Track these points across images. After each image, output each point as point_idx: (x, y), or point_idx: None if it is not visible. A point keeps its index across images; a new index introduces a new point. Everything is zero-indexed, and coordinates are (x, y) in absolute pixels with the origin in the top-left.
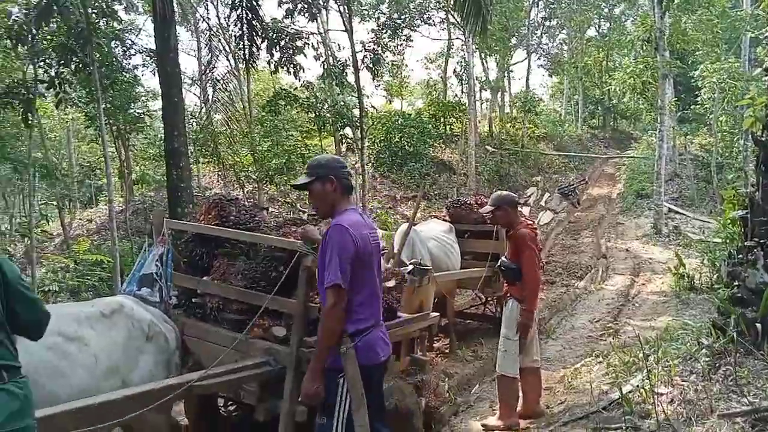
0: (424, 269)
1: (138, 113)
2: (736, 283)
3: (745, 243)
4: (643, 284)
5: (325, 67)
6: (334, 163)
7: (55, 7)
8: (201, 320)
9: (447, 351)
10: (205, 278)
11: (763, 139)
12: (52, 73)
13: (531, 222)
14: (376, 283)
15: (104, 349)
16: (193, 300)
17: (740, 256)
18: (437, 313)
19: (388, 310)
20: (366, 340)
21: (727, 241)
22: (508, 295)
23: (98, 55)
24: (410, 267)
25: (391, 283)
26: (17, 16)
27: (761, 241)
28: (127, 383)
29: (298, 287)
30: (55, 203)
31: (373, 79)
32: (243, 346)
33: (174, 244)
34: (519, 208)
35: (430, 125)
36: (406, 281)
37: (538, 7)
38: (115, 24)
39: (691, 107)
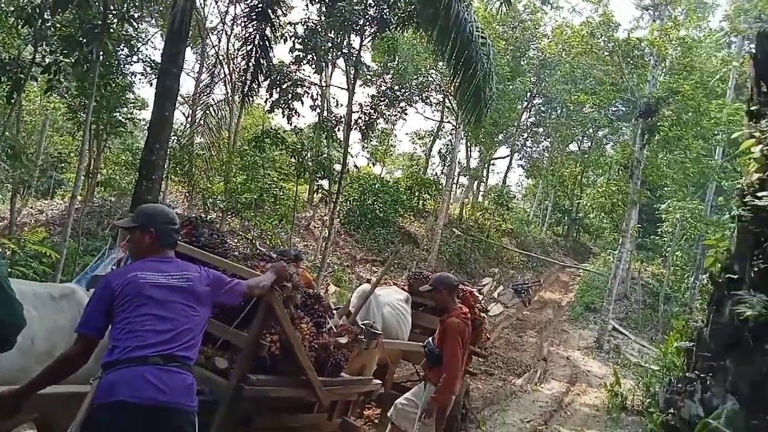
0: (374, 333)
1: (122, 118)
2: (671, 410)
3: (687, 374)
4: (578, 394)
5: (320, 118)
6: (159, 217)
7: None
8: None
9: (377, 421)
10: None
11: (720, 280)
12: (51, 60)
13: (467, 311)
14: (156, 317)
15: (44, 332)
16: None
17: (679, 385)
18: (380, 381)
19: (336, 366)
20: (116, 374)
21: (667, 369)
22: (427, 377)
23: (102, 54)
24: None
25: (343, 340)
26: None
27: (702, 375)
28: None
29: (254, 321)
30: (10, 186)
31: (362, 140)
32: None
33: None
34: (476, 294)
35: (404, 196)
36: (358, 341)
37: (529, 112)
38: (129, 28)
39: (651, 237)
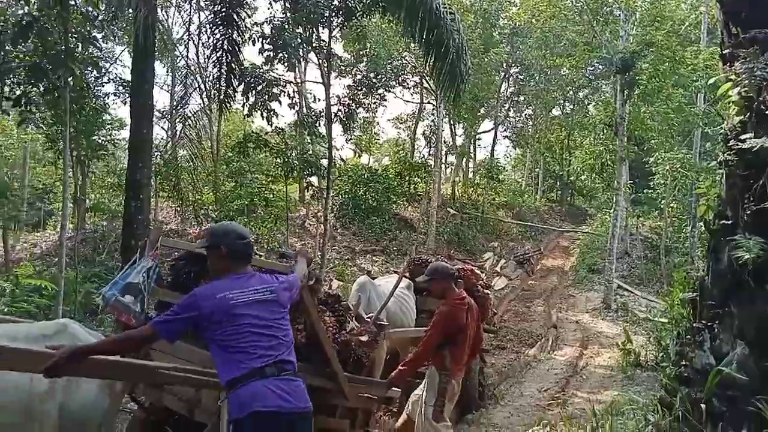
0: (379, 325)
1: (102, 141)
2: (683, 362)
3: (694, 324)
4: (591, 357)
5: (299, 115)
6: (231, 235)
7: (35, 28)
8: None
9: (395, 410)
10: None
11: (714, 227)
12: (19, 92)
13: (464, 296)
14: (256, 333)
15: None
16: None
17: (688, 336)
18: (399, 390)
19: (357, 362)
20: (242, 390)
21: (674, 321)
22: (430, 362)
23: (71, 79)
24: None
25: (364, 338)
26: None
27: (708, 323)
28: (65, 408)
29: None
30: (0, 223)
31: (345, 132)
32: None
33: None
34: (477, 272)
35: (395, 182)
36: (377, 339)
37: (508, 82)
38: (93, 50)
39: (644, 191)
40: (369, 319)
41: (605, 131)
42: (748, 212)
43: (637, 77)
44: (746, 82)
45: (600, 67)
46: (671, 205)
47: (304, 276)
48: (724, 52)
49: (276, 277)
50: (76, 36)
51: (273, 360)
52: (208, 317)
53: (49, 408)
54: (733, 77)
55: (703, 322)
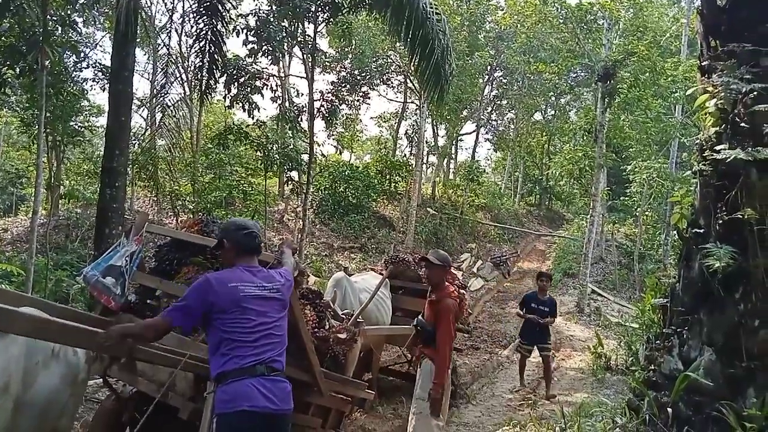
0: (356, 322)
1: (79, 126)
2: (652, 367)
3: (664, 330)
4: (563, 359)
5: (281, 109)
6: (231, 228)
7: (11, 7)
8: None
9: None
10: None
11: (687, 235)
12: None
13: (457, 291)
14: (257, 330)
15: None
16: (148, 301)
17: (658, 342)
18: (372, 392)
19: (334, 359)
20: (231, 386)
21: (645, 326)
22: (423, 354)
23: (48, 62)
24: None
25: (343, 336)
26: None
27: (678, 330)
28: (21, 402)
29: None
30: None
31: (327, 128)
32: (190, 348)
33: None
34: (453, 272)
35: (375, 180)
36: (356, 339)
37: (491, 85)
38: (72, 34)
39: (621, 198)
40: (344, 316)
41: (585, 138)
42: (720, 221)
43: (617, 86)
44: (723, 94)
45: (582, 74)
46: (646, 212)
47: (293, 267)
48: (702, 63)
49: (281, 273)
50: (55, 18)
51: (265, 359)
52: (219, 305)
53: (2, 402)
54: (710, 89)
55: (673, 328)
